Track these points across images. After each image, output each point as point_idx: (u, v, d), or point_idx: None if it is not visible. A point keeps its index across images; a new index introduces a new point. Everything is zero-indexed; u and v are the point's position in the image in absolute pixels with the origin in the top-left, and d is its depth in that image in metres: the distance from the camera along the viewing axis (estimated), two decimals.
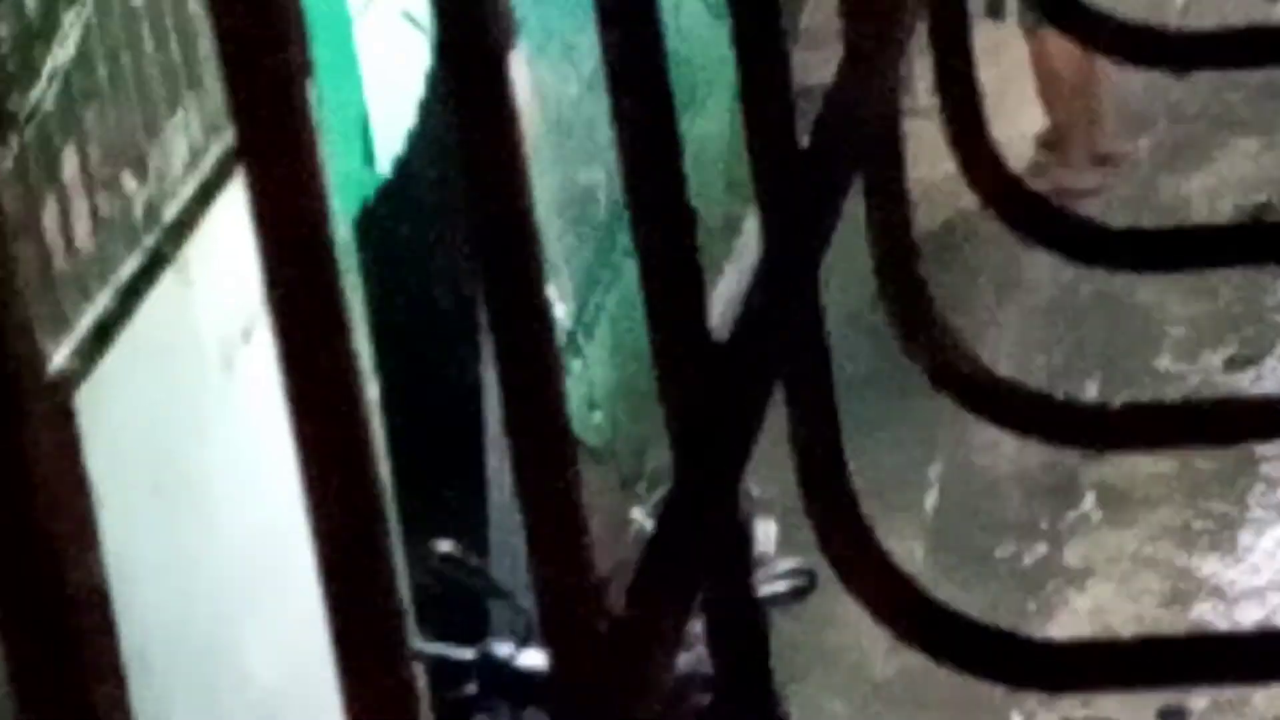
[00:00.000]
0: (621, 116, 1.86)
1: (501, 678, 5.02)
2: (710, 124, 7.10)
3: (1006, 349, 7.04)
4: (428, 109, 5.24)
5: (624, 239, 6.24)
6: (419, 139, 5.25)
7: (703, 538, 1.94)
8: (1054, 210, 2.95)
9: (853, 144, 2.34)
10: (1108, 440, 3.68)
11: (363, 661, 1.23)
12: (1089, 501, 6.98)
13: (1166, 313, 7.73)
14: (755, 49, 2.07)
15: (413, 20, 4.93)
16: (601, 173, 6.27)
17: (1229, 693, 5.74)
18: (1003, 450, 6.75)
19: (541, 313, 1.58)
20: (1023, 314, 7.58)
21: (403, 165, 5.25)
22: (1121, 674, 3.34)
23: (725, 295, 5.37)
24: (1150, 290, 7.30)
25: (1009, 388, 2.68)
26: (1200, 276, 6.42)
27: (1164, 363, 7.51)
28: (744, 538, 2.96)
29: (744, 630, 2.09)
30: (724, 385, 1.98)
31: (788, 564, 4.95)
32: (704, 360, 1.98)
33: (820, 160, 2.26)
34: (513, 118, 1.44)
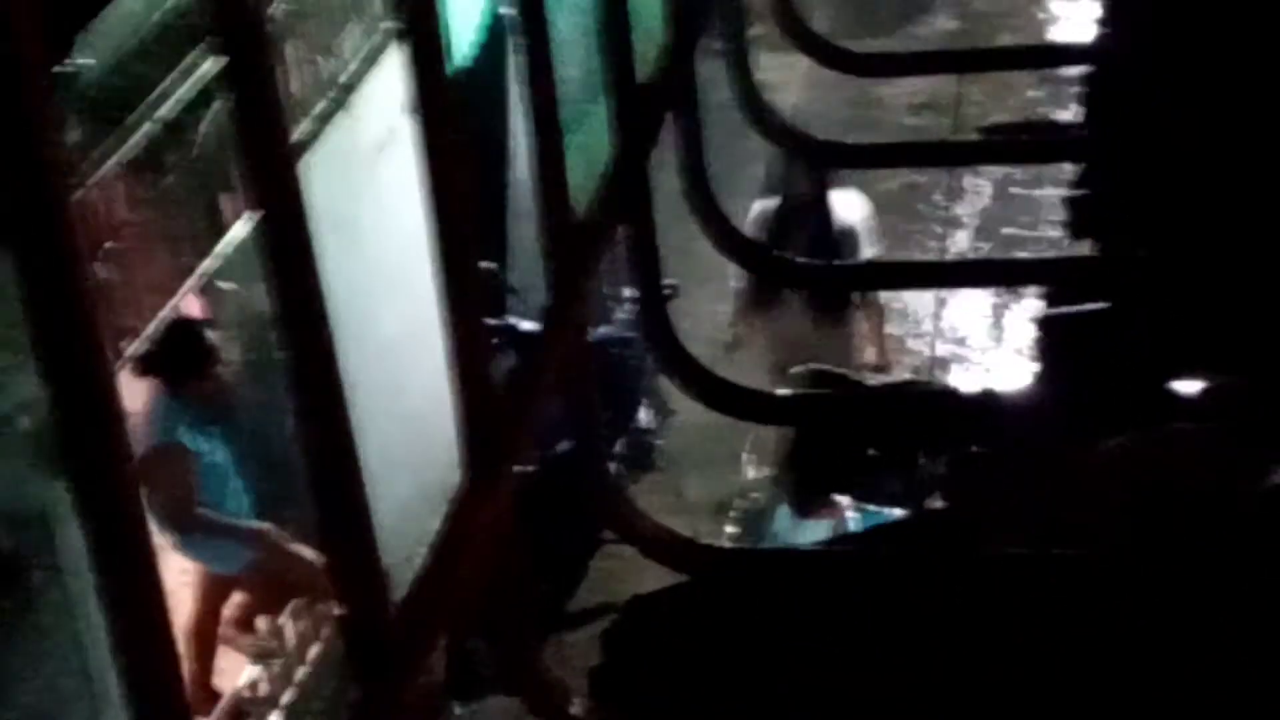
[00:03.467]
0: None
1: (513, 335, 8.51)
2: None
3: None
4: (480, 33, 8.55)
5: (586, 102, 9.62)
6: (476, 48, 8.58)
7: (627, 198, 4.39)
8: None
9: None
10: (844, 161, 5.96)
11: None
12: None
13: None
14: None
15: None
16: (575, 71, 9.46)
17: (895, 356, 9.45)
18: None
19: None
20: None
21: (468, 59, 8.58)
22: (839, 280, 6.01)
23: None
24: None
25: (787, 126, 5.11)
26: None
27: None
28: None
29: (650, 256, 4.73)
30: (644, 123, 4.38)
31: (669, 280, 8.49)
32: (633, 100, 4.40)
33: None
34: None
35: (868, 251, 7.90)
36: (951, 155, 6.39)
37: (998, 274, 5.76)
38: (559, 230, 2.64)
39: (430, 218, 2.05)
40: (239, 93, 1.45)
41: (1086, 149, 4.26)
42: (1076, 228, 4.22)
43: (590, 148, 10.13)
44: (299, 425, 1.71)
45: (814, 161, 4.88)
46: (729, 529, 8.99)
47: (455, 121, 2.05)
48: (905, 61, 6.42)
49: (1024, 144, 4.33)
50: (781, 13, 4.34)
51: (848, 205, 7.67)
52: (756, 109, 4.32)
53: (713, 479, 8.95)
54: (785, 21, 4.74)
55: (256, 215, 1.63)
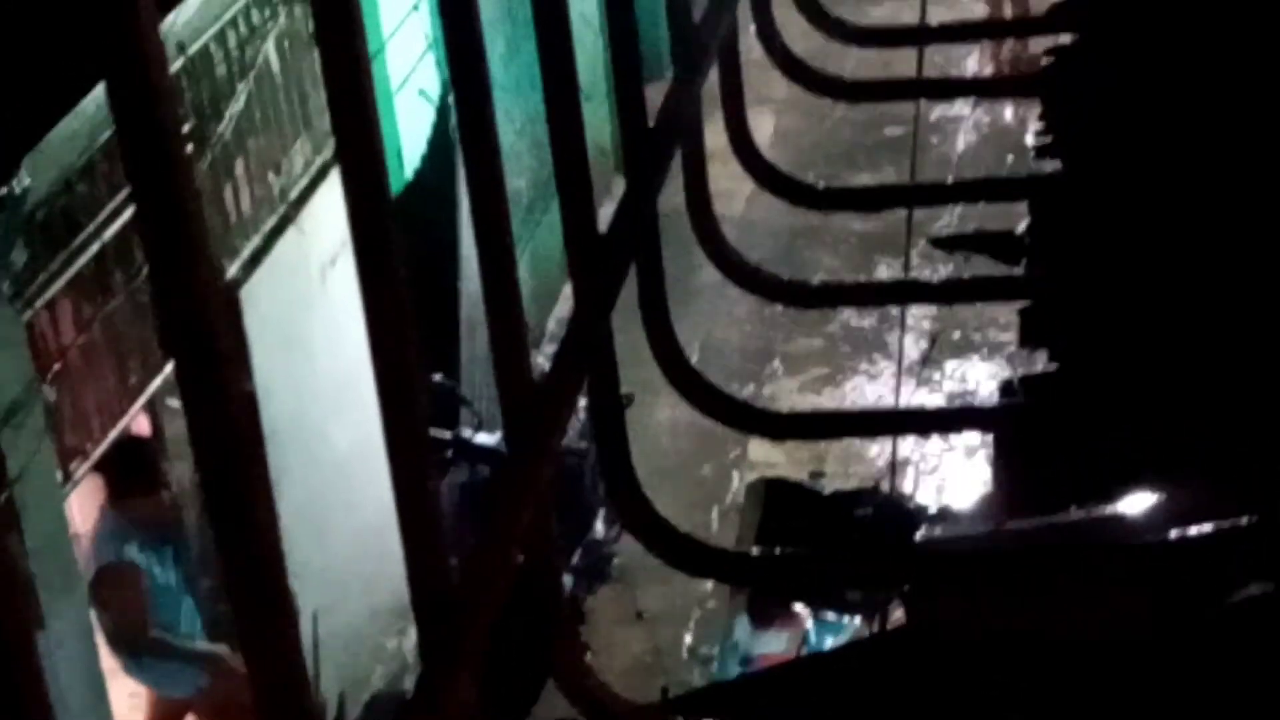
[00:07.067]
0: (557, 160, 3.20)
1: (465, 448, 8.43)
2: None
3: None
4: (431, 143, 8.55)
5: (536, 212, 9.62)
6: (426, 159, 8.57)
7: (588, 359, 3.28)
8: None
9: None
10: (800, 300, 5.42)
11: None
12: (777, 362, 10.63)
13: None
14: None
15: (425, 95, 8.24)
16: (524, 182, 9.64)
17: (851, 462, 9.47)
18: (734, 330, 10.34)
19: (510, 255, 2.67)
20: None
21: (417, 172, 8.57)
22: (798, 432, 5.95)
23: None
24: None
25: (751, 267, 4.48)
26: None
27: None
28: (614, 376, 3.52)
29: (611, 400, 3.62)
30: (606, 276, 3.32)
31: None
32: (594, 255, 3.20)
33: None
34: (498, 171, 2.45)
35: None
36: (911, 294, 6.43)
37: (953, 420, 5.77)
38: (518, 393, 2.52)
39: (371, 339, 1.98)
40: (155, 245, 1.36)
41: (1036, 284, 4.25)
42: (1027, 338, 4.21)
43: (541, 261, 10.18)
44: (226, 576, 1.63)
45: (775, 300, 4.76)
46: (687, 639, 8.90)
47: (396, 241, 1.98)
48: (858, 196, 6.42)
49: (981, 281, 4.40)
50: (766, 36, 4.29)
51: None
52: (718, 247, 4.20)
53: (670, 589, 8.85)
54: (770, 45, 4.67)
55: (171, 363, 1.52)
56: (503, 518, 2.28)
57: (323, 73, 1.97)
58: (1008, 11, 13.24)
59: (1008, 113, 12.47)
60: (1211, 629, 3.11)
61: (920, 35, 5.93)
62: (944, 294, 5.86)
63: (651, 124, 3.52)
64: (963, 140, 12.55)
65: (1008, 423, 3.93)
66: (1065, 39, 4.94)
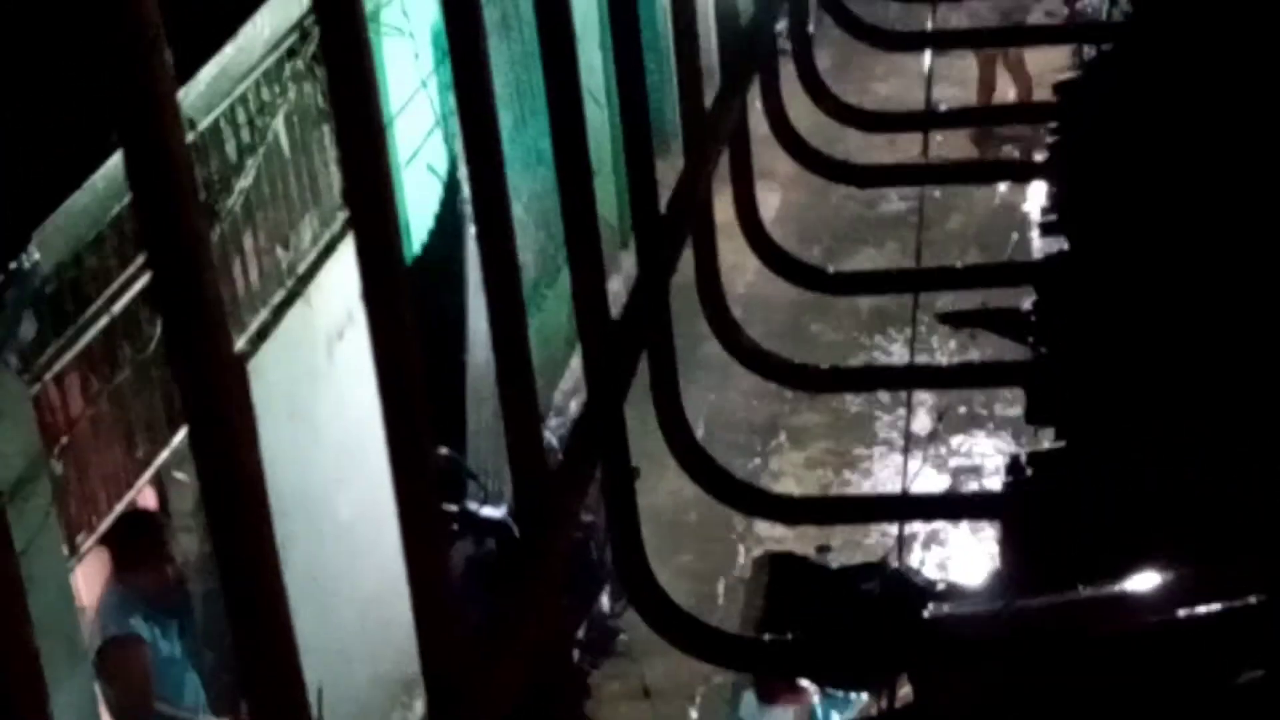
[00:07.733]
0: (571, 248, 3.16)
1: (471, 521, 8.42)
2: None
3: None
4: (437, 219, 8.57)
5: (542, 286, 9.62)
6: (433, 233, 8.60)
7: (601, 446, 3.21)
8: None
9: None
10: (810, 385, 5.36)
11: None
12: (783, 436, 10.63)
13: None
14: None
15: (433, 170, 8.27)
16: (530, 255, 9.56)
17: (858, 537, 9.45)
18: (739, 403, 10.36)
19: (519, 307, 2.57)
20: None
21: (424, 246, 8.59)
22: (806, 516, 5.97)
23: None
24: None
25: (761, 351, 4.38)
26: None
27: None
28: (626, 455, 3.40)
29: (624, 487, 3.50)
30: (618, 363, 3.22)
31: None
32: (607, 341, 3.08)
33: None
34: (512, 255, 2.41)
35: None
36: (919, 379, 6.46)
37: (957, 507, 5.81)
38: (531, 476, 2.52)
39: (384, 409, 1.99)
40: (171, 313, 1.37)
41: (1044, 370, 4.28)
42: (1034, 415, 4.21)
43: (546, 335, 10.20)
44: (236, 645, 1.64)
45: (785, 384, 4.79)
46: (693, 714, 8.86)
47: (410, 312, 1.99)
48: (866, 280, 6.48)
49: (988, 366, 4.45)
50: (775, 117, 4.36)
51: None
52: (729, 331, 4.23)
53: (676, 664, 8.78)
54: (779, 129, 4.73)
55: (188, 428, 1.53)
56: (516, 605, 2.27)
57: (336, 136, 1.97)
58: (1000, 79, 13.37)
59: (1012, 188, 12.52)
60: (1219, 711, 3.10)
61: (926, 120, 5.98)
62: (952, 379, 5.86)
63: (662, 208, 3.55)
64: (967, 215, 12.60)
65: (1016, 508, 3.93)
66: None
